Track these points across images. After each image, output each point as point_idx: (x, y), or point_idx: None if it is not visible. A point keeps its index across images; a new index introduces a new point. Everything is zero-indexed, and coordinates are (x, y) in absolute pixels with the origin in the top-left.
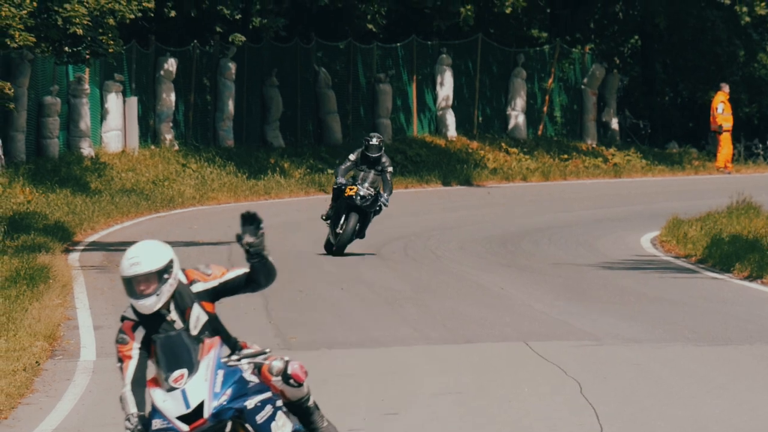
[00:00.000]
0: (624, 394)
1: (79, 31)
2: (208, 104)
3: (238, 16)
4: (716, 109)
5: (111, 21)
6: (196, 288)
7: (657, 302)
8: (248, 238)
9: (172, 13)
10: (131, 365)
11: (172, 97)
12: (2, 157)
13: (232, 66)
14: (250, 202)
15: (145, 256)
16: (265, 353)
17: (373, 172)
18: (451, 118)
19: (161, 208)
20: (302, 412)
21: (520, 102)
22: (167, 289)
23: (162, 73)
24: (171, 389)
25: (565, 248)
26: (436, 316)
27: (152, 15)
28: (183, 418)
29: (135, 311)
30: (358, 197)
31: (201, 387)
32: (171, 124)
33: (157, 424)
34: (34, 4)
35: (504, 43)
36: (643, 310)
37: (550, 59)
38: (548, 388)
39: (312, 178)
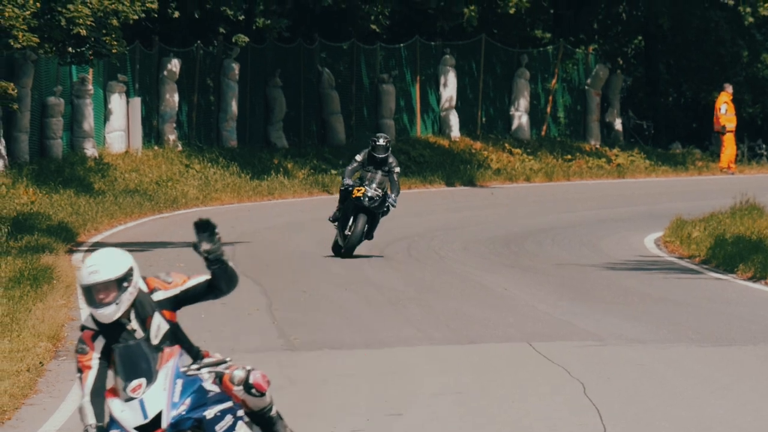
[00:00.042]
0: (628, 395)
1: (83, 32)
2: (212, 105)
3: (241, 17)
4: (719, 109)
5: (114, 22)
6: (157, 296)
7: (661, 303)
8: (205, 246)
9: (176, 14)
10: (90, 375)
11: (176, 97)
12: (6, 157)
13: (236, 66)
14: (253, 203)
15: (104, 264)
16: (225, 362)
17: (380, 172)
18: (454, 119)
19: (164, 208)
20: (265, 422)
21: (523, 102)
22: (127, 298)
23: (165, 73)
24: (129, 399)
25: (568, 249)
26: (440, 316)
27: (156, 16)
28: (141, 429)
29: (95, 320)
30: (366, 198)
31: (159, 397)
32: (174, 125)
33: None
34: (38, 4)
35: (507, 44)
36: (647, 310)
37: (553, 60)
38: (551, 388)
39: (315, 178)
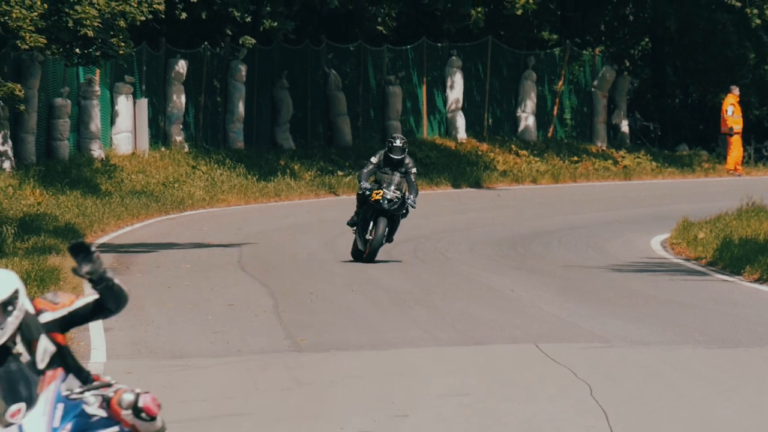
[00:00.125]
0: (634, 396)
1: (90, 33)
2: (219, 106)
3: (248, 19)
4: (726, 111)
5: (122, 23)
6: (44, 318)
7: (667, 305)
8: (85, 268)
9: (183, 15)
10: None
11: (183, 98)
12: (13, 158)
13: (243, 68)
14: (260, 204)
15: None
16: (110, 385)
17: (397, 174)
18: (461, 121)
19: (171, 209)
20: None
21: (530, 104)
22: (12, 322)
23: (172, 75)
24: (8, 425)
25: (574, 250)
26: (446, 317)
27: (163, 17)
28: None
29: None
30: (385, 201)
31: (39, 422)
32: (181, 126)
33: None
34: (45, 6)
35: (514, 46)
36: (653, 312)
37: (560, 62)
38: (558, 389)
39: (322, 180)
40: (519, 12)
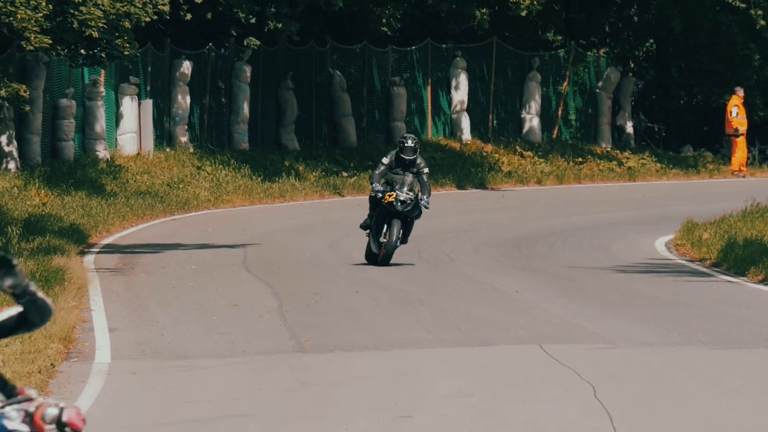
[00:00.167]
0: (638, 397)
1: (95, 34)
2: (223, 107)
3: (253, 20)
4: (731, 112)
5: (126, 24)
6: None
7: (671, 305)
8: (7, 282)
9: (188, 16)
10: None
11: (187, 99)
12: (18, 159)
13: (247, 69)
14: (265, 205)
15: None
16: (31, 399)
17: (410, 174)
18: (465, 122)
19: (176, 210)
20: None
21: (534, 105)
22: None
23: (177, 75)
24: None
25: (579, 251)
26: (450, 318)
27: (168, 18)
28: None
29: None
30: (399, 203)
31: None
32: (186, 127)
33: None
34: (50, 7)
35: (519, 47)
36: (658, 313)
37: (565, 63)
38: (562, 390)
39: (327, 181)
40: (524, 13)
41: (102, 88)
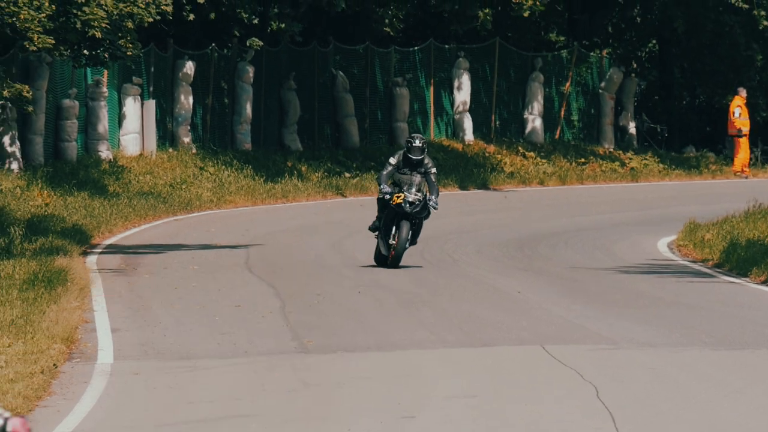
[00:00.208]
0: (640, 398)
1: (98, 34)
2: (226, 107)
3: (255, 20)
4: (733, 113)
5: (129, 24)
6: None
7: (674, 306)
8: None
9: (191, 17)
10: None
11: (190, 100)
12: (20, 159)
13: (250, 69)
14: (267, 206)
15: None
16: None
17: (417, 175)
18: (468, 122)
19: (179, 211)
20: None
21: (537, 106)
22: None
23: (180, 76)
24: None
25: (582, 252)
26: (453, 319)
27: (170, 18)
28: None
29: None
30: (407, 204)
31: None
32: (189, 128)
33: None
34: (53, 7)
35: (522, 47)
36: (660, 314)
37: (567, 63)
38: (564, 391)
39: (329, 181)
40: (526, 14)
41: (105, 89)
